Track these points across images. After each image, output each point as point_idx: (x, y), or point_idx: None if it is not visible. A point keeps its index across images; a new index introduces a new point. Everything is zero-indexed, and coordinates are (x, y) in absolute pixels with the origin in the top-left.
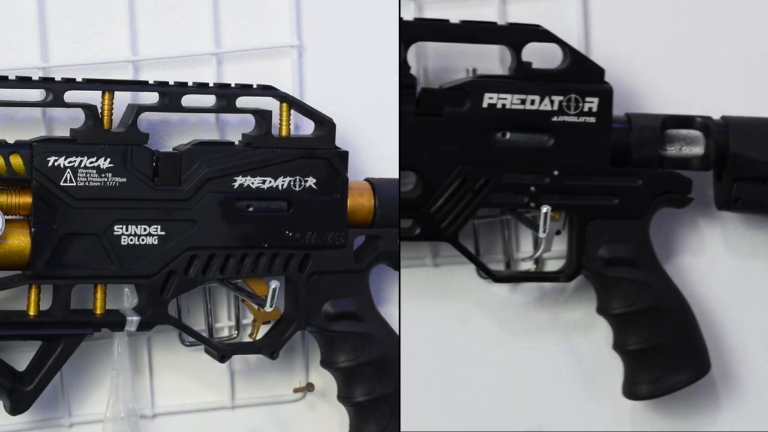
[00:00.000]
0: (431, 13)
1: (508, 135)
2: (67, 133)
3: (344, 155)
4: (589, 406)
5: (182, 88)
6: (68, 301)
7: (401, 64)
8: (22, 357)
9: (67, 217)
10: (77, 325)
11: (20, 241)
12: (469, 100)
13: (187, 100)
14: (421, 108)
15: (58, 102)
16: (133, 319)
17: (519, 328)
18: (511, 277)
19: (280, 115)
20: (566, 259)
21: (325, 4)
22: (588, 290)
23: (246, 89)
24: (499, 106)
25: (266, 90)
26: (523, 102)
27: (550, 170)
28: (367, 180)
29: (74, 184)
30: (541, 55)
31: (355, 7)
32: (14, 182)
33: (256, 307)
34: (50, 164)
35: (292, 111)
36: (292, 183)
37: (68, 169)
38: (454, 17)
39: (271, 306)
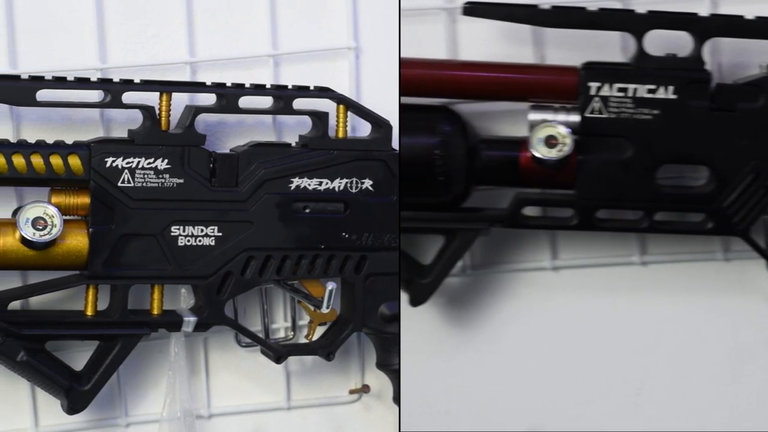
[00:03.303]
0: (727, 9)
1: None
2: (124, 134)
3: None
4: None
5: (239, 89)
6: (125, 302)
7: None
8: (79, 357)
9: (125, 217)
10: (134, 325)
11: (78, 241)
12: (763, 96)
13: (244, 101)
14: (716, 103)
15: (116, 103)
16: (190, 320)
17: None
18: None
19: (337, 116)
20: None
21: (382, 5)
22: None
23: (303, 91)
24: None
25: (323, 92)
26: None
27: None
28: None
29: (132, 184)
30: None
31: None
32: (72, 183)
33: (312, 308)
34: (108, 165)
35: (349, 113)
36: (348, 185)
37: (126, 170)
38: (749, 13)
39: (327, 307)
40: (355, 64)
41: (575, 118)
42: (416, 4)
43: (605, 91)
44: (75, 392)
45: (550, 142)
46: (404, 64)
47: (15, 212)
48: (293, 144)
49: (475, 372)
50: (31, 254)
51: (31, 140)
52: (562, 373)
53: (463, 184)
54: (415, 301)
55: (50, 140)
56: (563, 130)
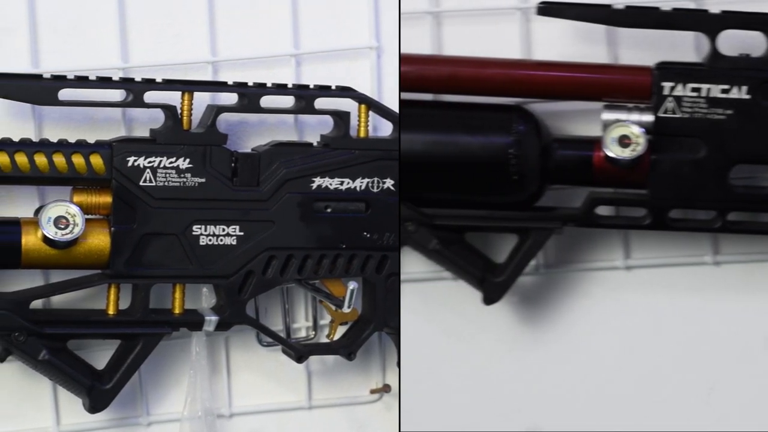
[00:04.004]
0: None
1: None
2: (146, 134)
3: None
4: None
5: (261, 89)
6: (147, 301)
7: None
8: (101, 356)
9: (147, 216)
10: (156, 324)
11: (100, 240)
12: None
13: (266, 101)
14: None
15: (138, 102)
16: (211, 319)
17: None
18: None
19: (359, 116)
20: None
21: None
22: None
23: (324, 90)
24: None
25: (345, 91)
26: None
27: None
28: None
29: (153, 184)
30: None
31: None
32: (94, 182)
33: (333, 308)
34: (130, 164)
35: (371, 112)
36: (370, 184)
37: (148, 169)
38: None
39: (348, 307)
40: (377, 64)
41: (648, 117)
42: (491, 4)
43: (679, 90)
44: (96, 391)
45: (624, 141)
46: (460, 62)
47: (37, 211)
48: (315, 143)
49: (548, 370)
50: (53, 253)
51: (53, 139)
52: (635, 372)
53: (537, 184)
54: (489, 300)
55: (72, 139)
56: (637, 130)
